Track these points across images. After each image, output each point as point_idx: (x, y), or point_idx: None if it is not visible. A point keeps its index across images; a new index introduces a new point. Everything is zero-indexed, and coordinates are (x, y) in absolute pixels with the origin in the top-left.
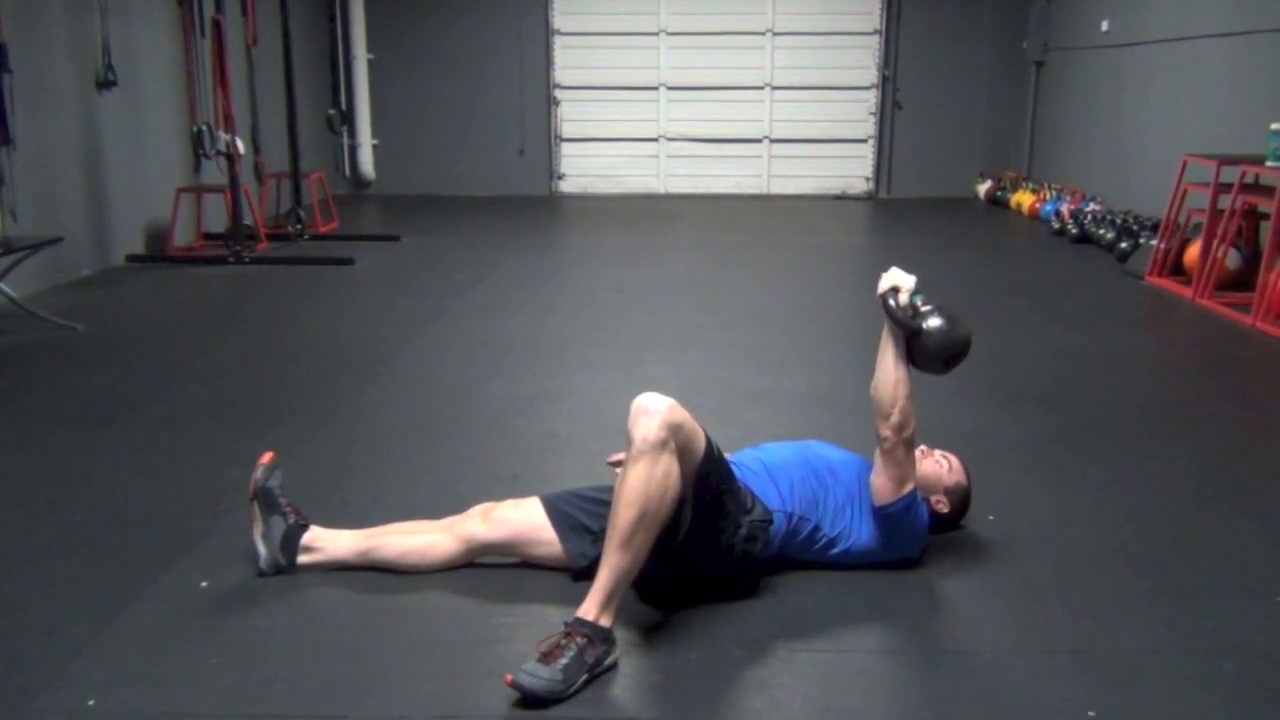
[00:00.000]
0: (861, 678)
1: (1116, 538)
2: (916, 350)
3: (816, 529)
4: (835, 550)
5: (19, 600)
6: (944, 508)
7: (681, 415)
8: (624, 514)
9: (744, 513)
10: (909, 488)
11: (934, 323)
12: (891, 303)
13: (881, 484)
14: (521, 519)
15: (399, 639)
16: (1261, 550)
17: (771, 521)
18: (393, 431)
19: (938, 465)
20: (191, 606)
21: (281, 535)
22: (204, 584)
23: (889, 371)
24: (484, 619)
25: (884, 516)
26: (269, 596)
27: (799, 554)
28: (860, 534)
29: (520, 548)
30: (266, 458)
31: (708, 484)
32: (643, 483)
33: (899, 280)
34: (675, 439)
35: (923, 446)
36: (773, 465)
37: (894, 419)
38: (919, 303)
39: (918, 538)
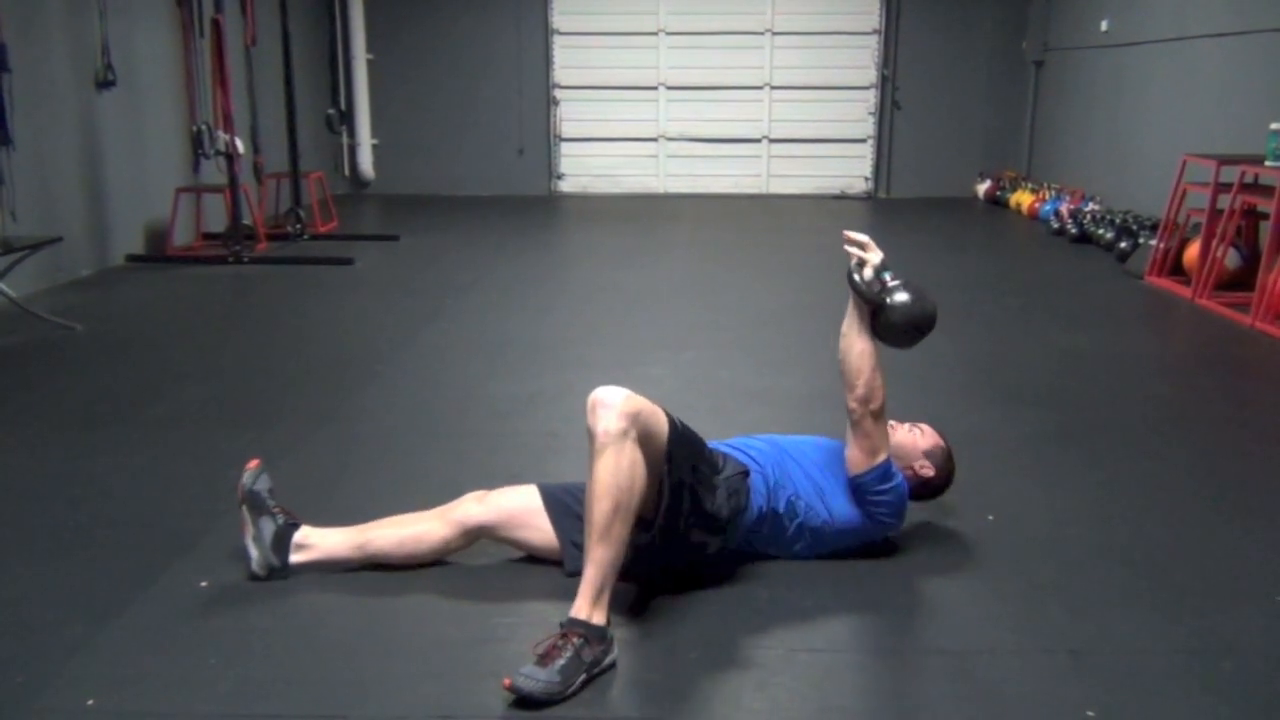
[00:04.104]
0: (860, 678)
1: (1116, 538)
2: (882, 324)
3: (795, 495)
4: (818, 522)
5: (18, 600)
6: (929, 471)
7: (638, 402)
8: (598, 507)
9: (717, 473)
10: (881, 458)
11: (900, 297)
12: (856, 277)
13: (853, 456)
14: (516, 502)
15: (398, 639)
16: (1261, 551)
17: (748, 473)
18: (392, 431)
19: (910, 434)
20: (191, 606)
21: (272, 535)
22: (203, 584)
23: (853, 343)
24: (483, 619)
25: (857, 486)
26: (268, 596)
27: (786, 526)
28: (838, 506)
29: (514, 530)
30: (253, 463)
31: (680, 459)
32: (611, 474)
33: (866, 254)
34: (635, 427)
35: (892, 421)
36: (741, 445)
37: (859, 391)
38: (887, 278)
39: (896, 506)
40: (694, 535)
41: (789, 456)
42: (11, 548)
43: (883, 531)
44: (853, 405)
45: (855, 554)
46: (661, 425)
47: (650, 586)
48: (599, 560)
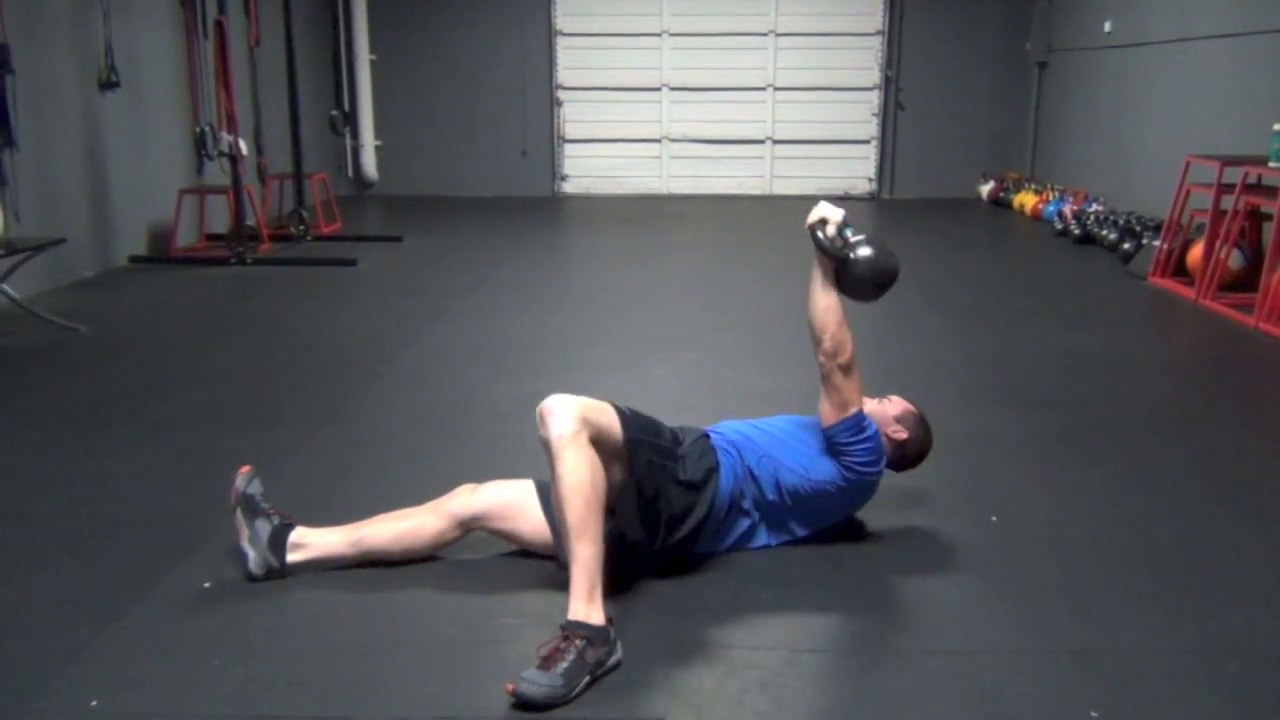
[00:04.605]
0: (863, 678)
1: (1118, 538)
2: (846, 278)
3: (765, 455)
4: (795, 479)
5: (21, 601)
6: (902, 434)
7: (584, 402)
8: (569, 509)
9: (679, 444)
10: (851, 410)
11: (863, 252)
12: (819, 234)
13: (824, 410)
14: (510, 494)
15: (401, 640)
16: (1262, 550)
17: (707, 434)
18: (394, 432)
19: (880, 405)
20: (194, 607)
21: (268, 536)
22: (206, 584)
23: (819, 299)
24: (486, 620)
25: (830, 440)
26: (271, 597)
27: (765, 490)
28: (814, 463)
29: (506, 521)
30: (245, 469)
31: (641, 443)
32: (574, 473)
33: (827, 213)
34: (586, 427)
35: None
36: (708, 429)
37: (826, 345)
38: (849, 235)
39: (873, 454)
40: (676, 506)
41: (756, 427)
42: (14, 548)
43: (866, 483)
44: (821, 359)
45: (855, 546)
46: (612, 419)
47: (652, 586)
48: (583, 559)
